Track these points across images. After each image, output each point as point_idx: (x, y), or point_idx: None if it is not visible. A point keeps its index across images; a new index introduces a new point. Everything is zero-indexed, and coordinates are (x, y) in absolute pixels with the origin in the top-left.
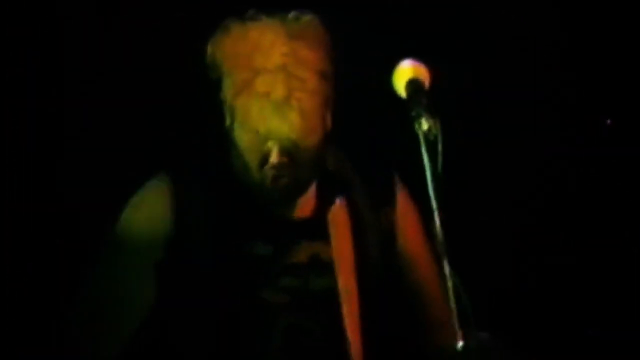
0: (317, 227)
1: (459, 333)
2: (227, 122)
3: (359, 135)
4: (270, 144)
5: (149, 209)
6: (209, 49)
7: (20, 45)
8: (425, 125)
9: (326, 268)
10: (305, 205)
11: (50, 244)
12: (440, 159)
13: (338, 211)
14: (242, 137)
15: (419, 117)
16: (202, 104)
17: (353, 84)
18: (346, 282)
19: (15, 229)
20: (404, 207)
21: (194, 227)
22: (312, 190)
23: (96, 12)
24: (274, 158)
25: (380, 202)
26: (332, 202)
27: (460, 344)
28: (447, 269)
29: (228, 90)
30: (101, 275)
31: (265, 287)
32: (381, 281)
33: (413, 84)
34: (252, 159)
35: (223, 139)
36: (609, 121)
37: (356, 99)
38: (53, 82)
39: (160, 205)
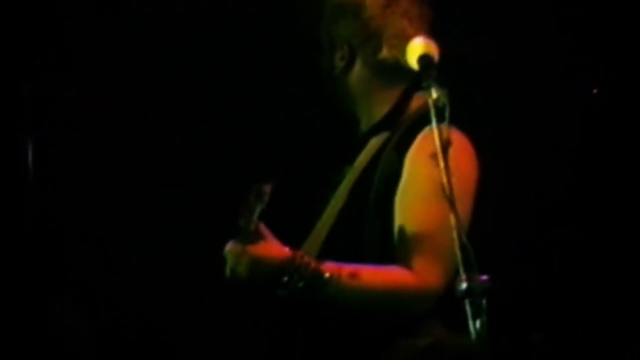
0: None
1: (464, 277)
2: None
3: None
4: None
5: None
6: None
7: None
8: (434, 94)
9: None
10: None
11: None
12: (447, 123)
13: (374, 143)
14: None
15: (429, 87)
16: None
17: None
18: (334, 205)
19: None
20: (414, 153)
21: None
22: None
23: None
24: None
25: (404, 145)
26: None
27: (464, 285)
28: (453, 220)
29: None
30: None
31: None
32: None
33: (424, 59)
34: None
35: None
36: (595, 91)
37: None
38: None
39: None
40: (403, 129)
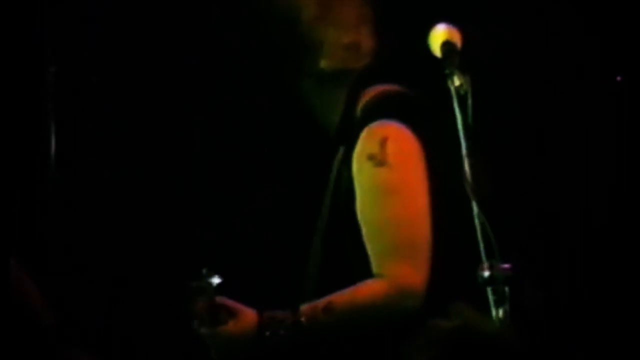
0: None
1: (486, 264)
2: None
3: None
4: None
5: None
6: None
7: None
8: (457, 81)
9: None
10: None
11: None
12: (469, 110)
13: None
14: None
15: (451, 74)
16: None
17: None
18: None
19: None
20: (354, 161)
21: None
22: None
23: None
24: None
25: (350, 157)
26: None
27: (486, 273)
28: (475, 208)
29: None
30: None
31: None
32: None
33: (447, 46)
34: None
35: None
36: (618, 78)
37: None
38: None
39: None
40: (349, 138)
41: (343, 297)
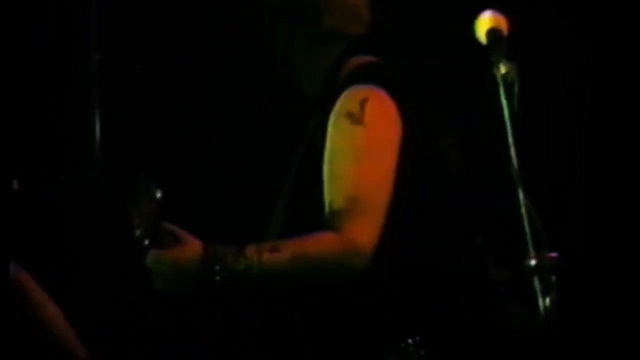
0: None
1: (532, 253)
2: None
3: None
4: None
5: None
6: None
7: None
8: (503, 69)
9: None
10: None
11: None
12: (516, 98)
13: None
14: None
15: (498, 62)
16: None
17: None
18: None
19: None
20: (333, 115)
21: None
22: None
23: None
24: None
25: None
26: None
27: (533, 262)
28: (521, 196)
29: None
30: None
31: None
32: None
33: (493, 33)
34: None
35: None
36: None
37: None
38: None
39: None
40: (327, 102)
41: (292, 241)
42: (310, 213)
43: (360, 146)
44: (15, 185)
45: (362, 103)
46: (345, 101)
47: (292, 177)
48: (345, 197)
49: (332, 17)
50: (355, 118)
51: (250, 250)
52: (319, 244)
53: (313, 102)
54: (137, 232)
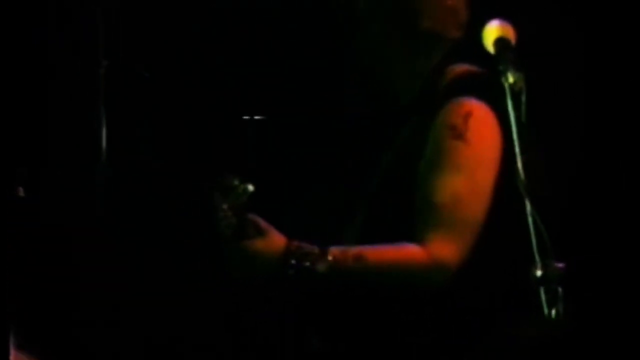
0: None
1: (539, 264)
2: None
3: None
4: None
5: None
6: None
7: None
8: (511, 78)
9: None
10: None
11: None
12: (523, 108)
13: (415, 120)
14: None
15: (505, 71)
16: None
17: None
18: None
19: None
20: (436, 125)
21: None
22: None
23: None
24: None
25: (430, 121)
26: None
27: (539, 272)
28: (528, 206)
29: None
30: None
31: None
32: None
33: (500, 42)
34: None
35: None
36: None
37: None
38: None
39: None
40: (426, 109)
41: (377, 251)
42: (393, 220)
43: (459, 162)
44: (20, 192)
45: (466, 117)
46: (449, 113)
47: (378, 181)
48: (437, 212)
49: (430, 19)
50: (457, 133)
51: (334, 254)
52: (404, 257)
53: (407, 108)
54: (221, 224)
